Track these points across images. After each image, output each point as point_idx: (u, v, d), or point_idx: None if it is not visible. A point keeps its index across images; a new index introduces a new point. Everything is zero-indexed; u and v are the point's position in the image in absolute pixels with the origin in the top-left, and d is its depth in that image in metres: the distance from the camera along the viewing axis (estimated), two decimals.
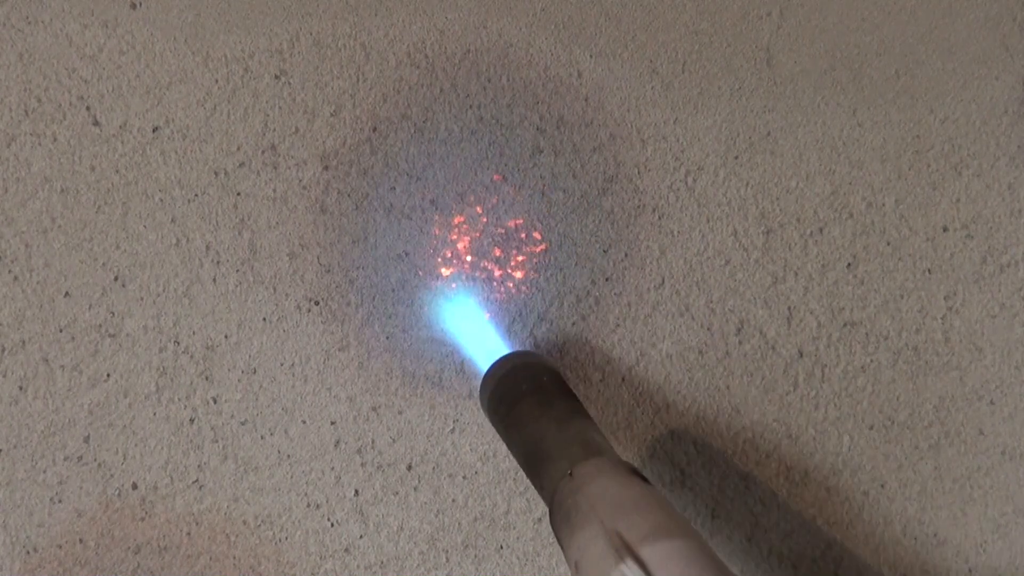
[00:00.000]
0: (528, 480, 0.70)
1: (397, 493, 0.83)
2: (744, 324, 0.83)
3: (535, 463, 0.68)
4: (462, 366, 0.82)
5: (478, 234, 0.82)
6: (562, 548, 0.62)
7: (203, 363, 0.81)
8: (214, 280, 0.80)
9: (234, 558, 0.83)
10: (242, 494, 0.82)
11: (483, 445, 0.83)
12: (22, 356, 0.80)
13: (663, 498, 0.63)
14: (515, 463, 0.83)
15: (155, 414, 0.81)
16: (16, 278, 0.79)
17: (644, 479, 0.63)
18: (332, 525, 0.83)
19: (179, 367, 0.81)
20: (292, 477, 0.82)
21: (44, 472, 0.81)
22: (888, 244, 0.84)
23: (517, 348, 0.81)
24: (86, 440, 0.81)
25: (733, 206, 0.82)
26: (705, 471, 0.84)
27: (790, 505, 0.85)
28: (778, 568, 0.85)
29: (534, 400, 0.71)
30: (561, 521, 0.62)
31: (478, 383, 0.82)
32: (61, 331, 0.80)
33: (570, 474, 0.63)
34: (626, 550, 0.55)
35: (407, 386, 0.82)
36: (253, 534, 0.83)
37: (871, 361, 0.84)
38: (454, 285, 0.81)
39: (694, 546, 0.55)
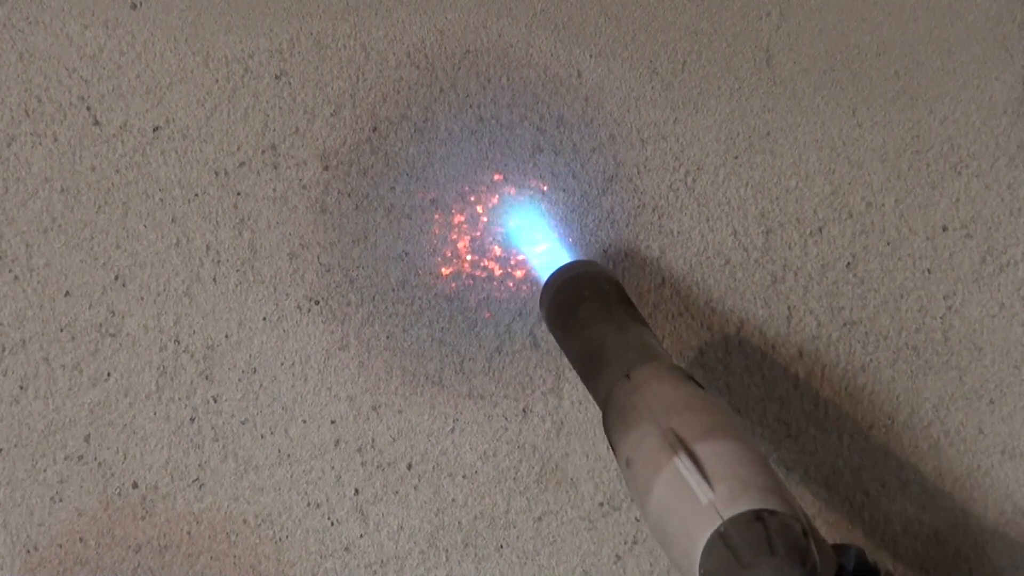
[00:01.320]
0: (584, 384, 0.71)
1: (397, 492, 0.83)
2: (744, 324, 0.84)
3: (592, 365, 0.69)
4: (462, 366, 0.82)
5: (478, 233, 0.82)
6: (613, 448, 0.63)
7: (203, 362, 0.81)
8: (214, 280, 0.80)
9: (234, 557, 0.83)
10: (242, 493, 0.82)
11: (483, 444, 0.83)
12: (23, 355, 0.80)
13: (718, 402, 0.63)
14: (513, 463, 0.83)
15: (155, 413, 0.81)
16: (17, 278, 0.79)
17: (699, 384, 0.63)
18: (332, 524, 0.83)
19: (179, 366, 0.81)
20: (292, 476, 0.82)
21: (45, 471, 0.81)
22: (888, 244, 0.84)
23: (579, 258, 0.81)
24: (86, 439, 0.81)
25: (733, 206, 0.83)
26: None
27: None
28: None
29: (595, 306, 0.72)
30: (615, 421, 0.62)
31: (479, 382, 0.82)
32: (62, 330, 0.80)
33: (627, 376, 0.64)
34: (680, 445, 0.55)
35: (407, 385, 0.82)
36: (253, 533, 0.83)
37: (871, 361, 0.84)
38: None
39: (746, 447, 0.56)
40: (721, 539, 0.50)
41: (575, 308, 0.72)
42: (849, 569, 0.56)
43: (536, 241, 0.81)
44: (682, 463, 0.54)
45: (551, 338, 0.82)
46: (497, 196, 0.81)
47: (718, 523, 0.51)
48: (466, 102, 0.81)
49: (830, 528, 0.85)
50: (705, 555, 0.50)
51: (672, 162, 0.82)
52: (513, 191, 0.81)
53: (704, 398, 0.61)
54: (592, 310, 0.72)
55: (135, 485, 0.82)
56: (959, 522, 0.86)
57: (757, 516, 0.50)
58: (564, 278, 0.75)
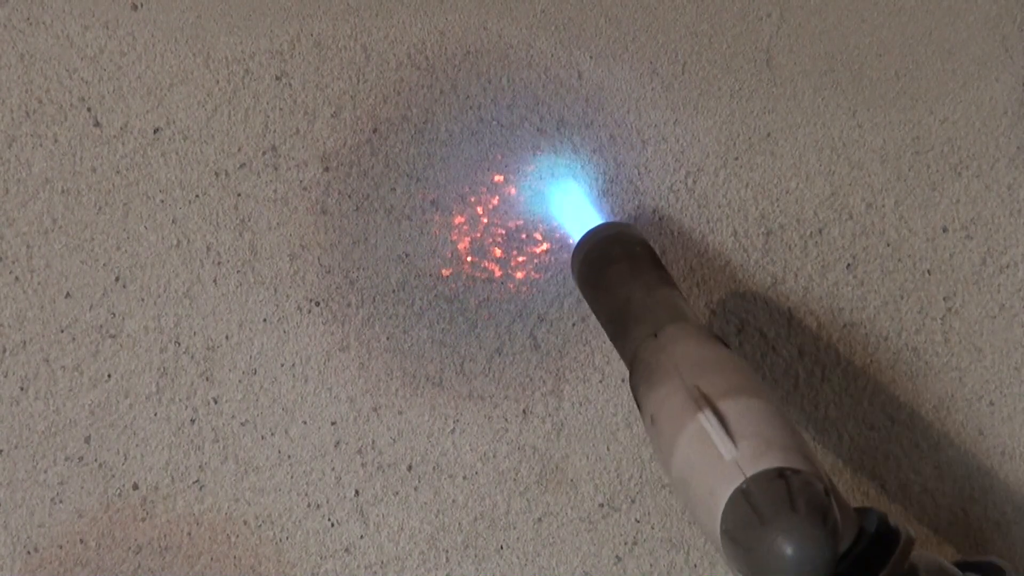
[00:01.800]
0: (612, 343, 0.72)
1: (397, 493, 0.83)
2: (744, 325, 0.84)
3: (620, 324, 0.69)
4: (462, 367, 0.82)
5: (479, 235, 0.82)
6: (639, 405, 0.63)
7: (204, 364, 0.81)
8: (215, 281, 0.80)
9: (235, 558, 0.83)
10: (243, 494, 0.82)
11: (483, 445, 0.83)
12: (23, 356, 0.80)
13: (744, 362, 0.64)
14: (513, 463, 0.83)
15: (156, 414, 0.81)
16: (17, 279, 0.79)
17: (725, 344, 0.64)
18: (332, 525, 0.83)
19: (180, 368, 0.81)
20: (293, 477, 0.82)
21: (45, 472, 0.81)
22: (888, 245, 0.84)
23: (612, 220, 0.81)
24: (87, 440, 0.81)
25: (733, 207, 0.83)
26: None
27: None
28: None
29: (625, 265, 0.73)
30: (641, 378, 0.63)
31: (479, 383, 0.82)
32: (62, 332, 0.80)
33: (654, 335, 0.64)
34: (705, 402, 0.55)
35: (407, 386, 0.82)
36: (254, 534, 0.83)
37: (871, 362, 0.84)
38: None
39: (770, 407, 0.56)
40: (743, 496, 0.50)
41: (605, 268, 0.73)
42: (871, 532, 0.56)
43: (568, 204, 0.81)
44: (707, 420, 0.54)
45: (551, 339, 0.82)
46: (497, 197, 0.81)
47: (741, 480, 0.51)
48: (466, 103, 0.81)
49: None
50: (727, 512, 0.51)
51: (672, 163, 0.82)
52: (513, 191, 0.81)
53: (730, 358, 0.62)
54: (622, 270, 0.72)
55: (135, 486, 0.82)
56: (959, 522, 0.86)
57: (780, 474, 0.50)
58: (596, 239, 0.76)
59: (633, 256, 0.74)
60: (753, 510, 0.49)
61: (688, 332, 0.64)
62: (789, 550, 0.47)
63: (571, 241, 0.79)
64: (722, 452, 0.52)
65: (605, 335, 0.81)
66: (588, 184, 0.81)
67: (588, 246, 0.76)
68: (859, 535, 0.56)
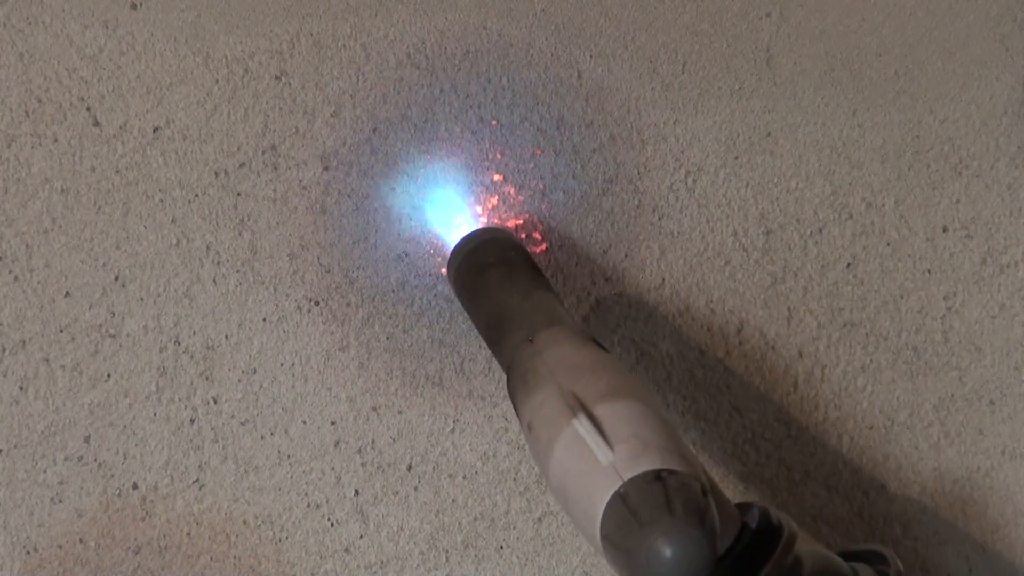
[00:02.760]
0: (490, 350, 0.71)
1: (397, 493, 0.83)
2: (744, 324, 0.84)
3: (497, 330, 0.69)
4: (462, 367, 0.82)
5: None
6: (517, 412, 0.62)
7: (203, 363, 0.81)
8: (214, 280, 0.80)
9: (234, 558, 0.83)
10: (242, 494, 0.82)
11: (483, 445, 0.83)
12: (23, 356, 0.80)
13: (619, 364, 0.63)
14: (513, 463, 0.83)
15: (155, 414, 0.81)
16: (17, 278, 0.79)
17: (602, 347, 0.63)
18: (332, 525, 0.83)
19: (179, 367, 0.81)
20: (292, 477, 0.82)
21: (44, 472, 0.81)
22: (888, 244, 0.84)
23: (486, 225, 0.81)
24: (86, 440, 0.81)
25: (733, 207, 0.83)
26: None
27: (790, 505, 0.85)
28: None
29: (500, 271, 0.72)
30: (518, 384, 0.62)
31: (479, 383, 0.82)
32: (61, 331, 0.80)
33: (530, 340, 0.64)
34: (580, 407, 0.55)
35: (407, 386, 0.82)
36: (253, 534, 0.83)
37: (871, 361, 0.84)
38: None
39: (647, 408, 0.55)
40: (621, 500, 0.50)
41: (480, 274, 0.73)
42: (752, 527, 0.56)
43: (445, 211, 0.81)
44: (581, 425, 0.53)
45: None
46: (497, 197, 0.81)
47: (618, 484, 0.50)
48: (466, 103, 0.81)
49: (831, 529, 0.85)
50: (606, 517, 0.50)
51: (672, 163, 0.82)
52: (512, 191, 0.81)
53: (606, 360, 0.61)
54: (498, 276, 0.72)
55: (135, 486, 0.82)
56: (959, 522, 0.86)
57: (656, 476, 0.50)
58: (471, 245, 0.76)
59: (508, 261, 0.73)
60: (631, 513, 0.49)
61: (563, 336, 0.64)
62: (667, 552, 0.47)
63: (447, 249, 0.79)
64: (598, 456, 0.52)
65: (604, 334, 0.81)
66: (464, 190, 0.81)
67: (462, 254, 0.75)
68: (741, 531, 0.56)
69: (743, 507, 0.57)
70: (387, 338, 0.82)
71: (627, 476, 0.50)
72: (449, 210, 0.81)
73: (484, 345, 0.81)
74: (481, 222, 0.81)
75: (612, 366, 0.61)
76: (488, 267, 0.73)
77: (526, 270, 0.73)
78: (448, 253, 0.78)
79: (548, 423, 0.56)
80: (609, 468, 0.51)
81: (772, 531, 0.56)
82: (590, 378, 0.58)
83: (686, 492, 0.49)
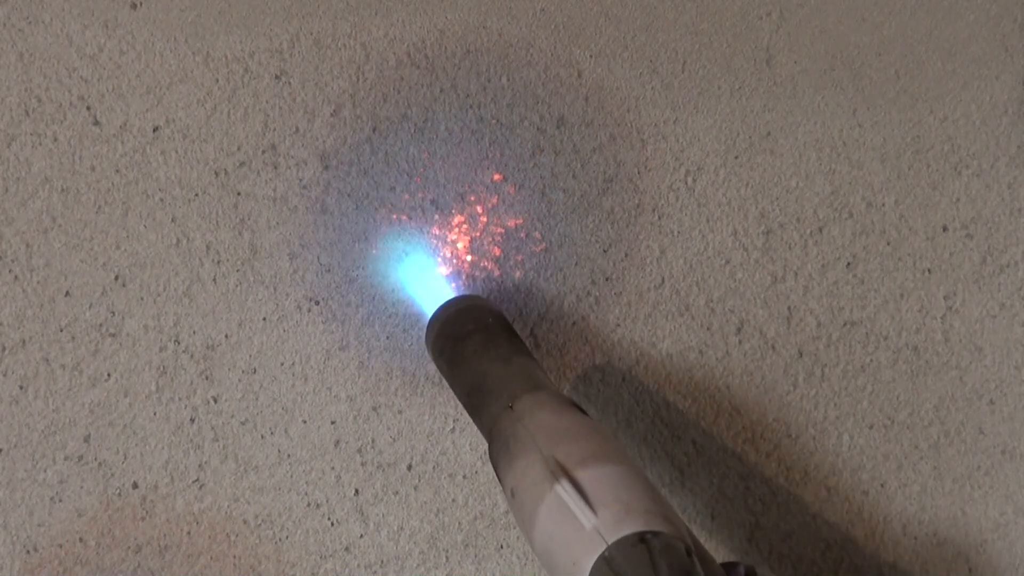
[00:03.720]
0: (471, 418, 0.72)
1: (397, 492, 0.83)
2: (744, 324, 0.84)
3: (477, 398, 0.69)
4: (420, 316, 0.82)
5: (478, 234, 0.82)
6: (499, 479, 0.62)
7: (203, 363, 0.81)
8: (214, 280, 0.80)
9: (234, 557, 0.83)
10: (242, 493, 0.82)
11: (483, 444, 0.83)
12: (23, 355, 0.80)
13: (601, 428, 0.64)
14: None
15: (155, 413, 0.81)
16: (16, 278, 0.79)
17: (583, 411, 0.63)
18: (332, 524, 0.83)
19: (179, 367, 0.81)
20: (292, 476, 0.82)
21: (44, 471, 0.81)
22: (888, 244, 0.84)
23: (463, 292, 0.81)
24: (86, 439, 0.81)
25: (733, 206, 0.83)
26: (705, 471, 0.84)
27: (790, 505, 0.85)
28: (778, 568, 0.85)
29: (479, 339, 0.72)
30: (500, 451, 0.62)
31: None
32: (61, 331, 0.80)
33: (510, 407, 0.64)
34: (562, 472, 0.55)
35: (407, 386, 0.82)
36: (253, 533, 0.83)
37: (871, 361, 0.84)
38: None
39: (629, 471, 0.56)
40: (606, 563, 0.50)
41: (459, 342, 0.73)
42: None
43: (423, 279, 0.81)
44: (564, 490, 0.54)
45: (551, 338, 0.82)
46: (497, 196, 0.81)
47: (603, 548, 0.50)
48: (466, 102, 0.81)
49: (830, 528, 0.85)
50: None
51: (672, 162, 0.82)
52: (513, 189, 0.81)
53: (587, 425, 0.62)
54: (476, 343, 0.72)
55: (135, 485, 0.82)
56: (959, 522, 0.86)
57: (641, 538, 0.50)
58: (448, 313, 0.76)
59: (486, 328, 0.73)
60: None
61: (543, 401, 0.64)
62: None
63: (424, 317, 0.79)
64: (582, 521, 0.52)
65: (604, 334, 0.81)
66: (440, 258, 0.81)
67: (440, 321, 0.76)
68: None
69: (729, 566, 0.57)
70: (387, 338, 0.82)
71: (611, 539, 0.51)
72: (426, 278, 0.81)
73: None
74: (459, 289, 0.81)
75: (593, 430, 0.61)
76: (466, 335, 0.73)
77: (504, 336, 0.73)
78: (426, 322, 0.78)
79: (531, 489, 0.57)
80: (593, 532, 0.51)
81: None
82: (571, 443, 0.58)
83: (671, 554, 0.50)
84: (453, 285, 0.81)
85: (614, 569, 0.50)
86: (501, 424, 0.64)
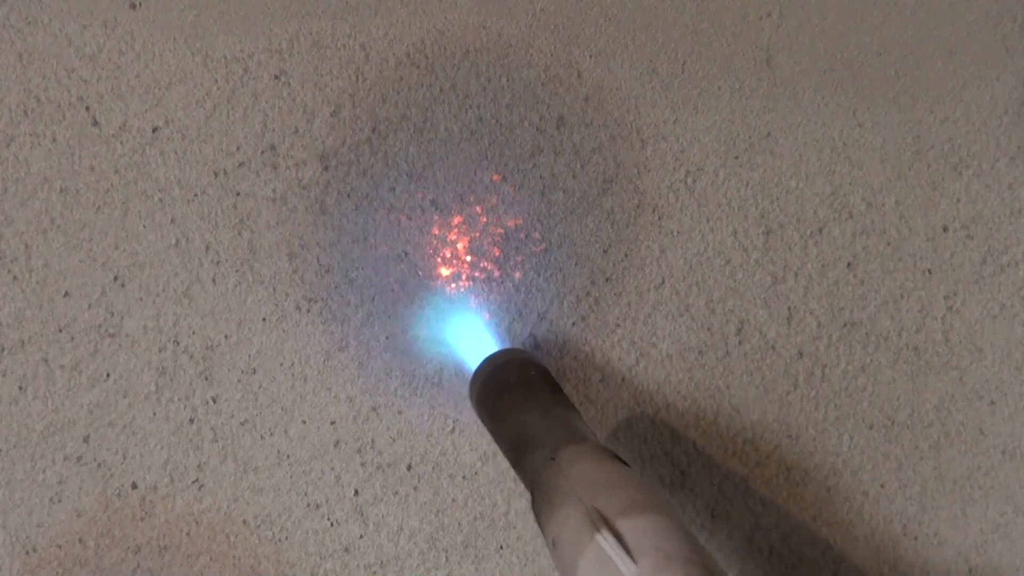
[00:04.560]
0: (514, 470, 0.72)
1: (397, 493, 0.83)
2: (744, 324, 0.84)
3: (520, 450, 0.69)
4: (462, 366, 0.82)
5: (478, 234, 0.82)
6: (542, 529, 0.63)
7: (203, 363, 0.81)
8: (214, 280, 0.80)
9: (234, 558, 0.83)
10: (242, 494, 0.82)
11: (483, 445, 0.83)
12: (22, 356, 0.80)
13: (641, 478, 0.64)
14: None
15: (155, 414, 0.81)
16: (16, 278, 0.79)
17: (624, 462, 0.64)
18: (332, 525, 0.83)
19: (179, 367, 0.81)
20: (292, 477, 0.82)
21: (44, 472, 0.81)
22: (888, 244, 0.84)
23: (507, 346, 0.82)
24: (86, 440, 0.81)
25: (733, 206, 0.82)
26: (705, 471, 0.84)
27: (790, 505, 0.85)
28: (778, 568, 0.85)
29: (520, 392, 0.73)
30: (542, 502, 0.63)
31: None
32: (60, 331, 0.80)
33: (552, 458, 0.65)
34: (603, 523, 0.56)
35: (407, 386, 0.82)
36: (253, 534, 0.83)
37: (871, 361, 0.84)
38: (451, 286, 0.82)
39: (669, 521, 0.56)
40: None
41: (502, 395, 0.74)
42: None
43: (467, 334, 0.82)
44: (604, 540, 0.55)
45: (551, 338, 0.82)
46: (496, 197, 0.81)
47: None
48: (466, 102, 0.80)
49: (831, 529, 0.85)
50: None
51: (672, 162, 0.82)
52: (512, 190, 0.81)
53: (627, 475, 0.62)
54: (518, 397, 0.73)
55: (134, 486, 0.82)
56: (959, 522, 0.86)
57: None
58: (492, 367, 0.77)
59: (528, 382, 0.74)
60: None
61: (585, 452, 0.64)
62: None
63: (468, 370, 0.80)
64: (622, 570, 0.53)
65: (604, 334, 0.81)
66: (485, 313, 0.82)
67: (484, 376, 0.76)
68: None
69: None
70: (386, 338, 0.82)
71: None
72: (470, 333, 0.82)
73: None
74: (502, 343, 0.82)
75: (634, 481, 0.61)
76: (509, 388, 0.74)
77: (546, 389, 0.74)
78: (470, 376, 0.79)
79: (572, 539, 0.57)
80: None
81: None
82: (612, 493, 0.59)
83: None
84: (497, 339, 0.82)
85: None
86: (543, 475, 0.64)
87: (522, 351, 0.80)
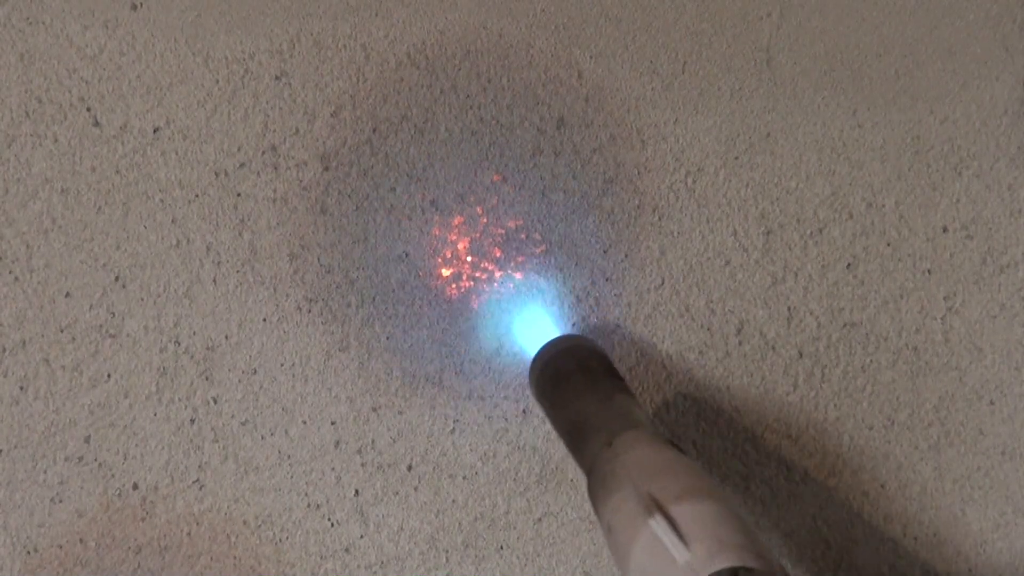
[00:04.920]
0: (571, 455, 0.73)
1: (397, 493, 0.83)
2: (744, 324, 0.84)
3: (577, 436, 0.70)
4: (462, 367, 0.82)
5: (478, 235, 0.82)
6: (597, 514, 0.64)
7: (203, 363, 0.81)
8: (214, 281, 0.80)
9: (235, 558, 0.83)
10: (242, 494, 0.82)
11: (483, 445, 0.83)
12: (23, 356, 0.80)
13: (696, 465, 0.64)
14: (513, 463, 0.83)
15: (156, 414, 0.81)
16: (17, 279, 0.79)
17: (680, 449, 0.64)
18: (332, 525, 0.83)
19: (180, 367, 0.81)
20: (292, 477, 0.82)
21: (45, 472, 0.81)
22: (888, 244, 0.84)
23: (567, 332, 0.82)
24: (87, 440, 0.81)
25: (733, 207, 0.83)
26: (705, 471, 0.84)
27: (790, 505, 0.85)
28: None
29: (580, 379, 0.74)
30: (597, 487, 0.64)
31: (479, 383, 0.82)
32: (62, 331, 0.80)
33: (609, 444, 0.65)
34: (657, 508, 0.56)
35: (407, 386, 0.82)
36: (254, 534, 0.83)
37: (871, 361, 0.84)
38: (453, 286, 0.82)
39: (723, 508, 0.56)
40: None
41: (561, 382, 0.74)
42: None
43: (527, 319, 0.82)
44: (658, 525, 0.55)
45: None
46: (497, 197, 0.81)
47: None
48: (466, 103, 0.81)
49: (831, 529, 0.85)
50: None
51: (672, 163, 0.82)
52: (513, 190, 0.81)
53: (682, 461, 0.62)
54: (577, 383, 0.73)
55: (135, 486, 0.82)
56: (959, 522, 0.86)
57: (734, 573, 0.51)
58: (551, 353, 0.77)
59: (588, 369, 0.75)
60: None
61: (641, 439, 0.65)
62: None
63: (527, 356, 0.80)
64: (675, 556, 0.53)
65: (604, 334, 0.81)
66: (546, 300, 0.82)
67: (543, 361, 0.77)
68: None
69: None
70: (387, 338, 0.82)
71: (704, 575, 0.51)
72: (532, 318, 0.82)
73: (484, 346, 0.81)
74: (562, 329, 0.82)
75: (688, 467, 0.62)
76: (568, 374, 0.74)
77: (605, 376, 0.75)
78: (529, 362, 0.79)
79: (626, 524, 0.58)
80: (686, 567, 0.52)
81: None
82: (667, 479, 0.59)
83: None
84: (556, 325, 0.82)
85: None
86: (599, 461, 0.65)
87: (581, 337, 0.81)
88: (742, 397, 0.84)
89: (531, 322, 0.82)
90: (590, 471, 0.66)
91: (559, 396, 0.74)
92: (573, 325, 0.82)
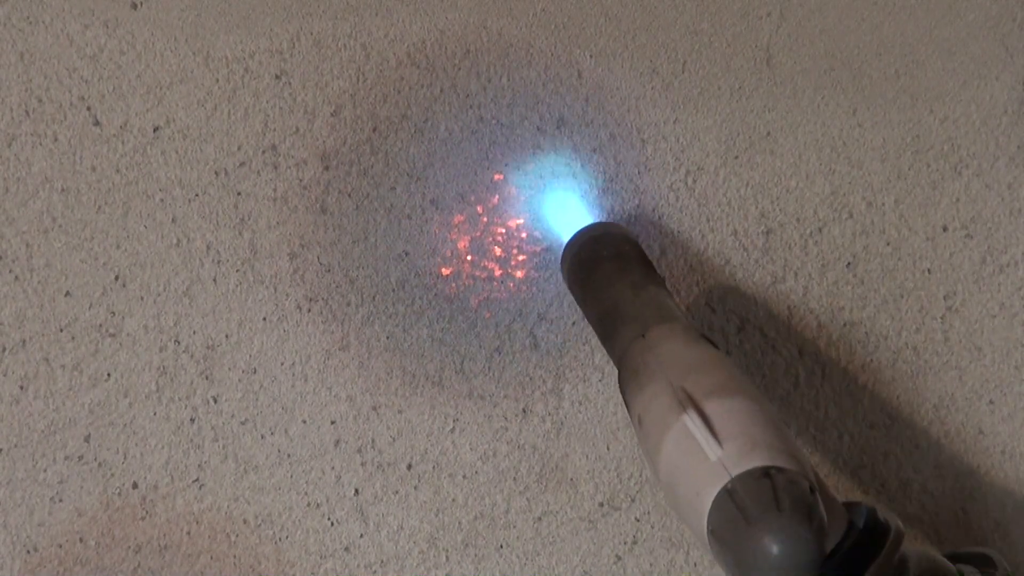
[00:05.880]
0: (601, 343, 0.72)
1: (397, 492, 0.83)
2: (744, 324, 0.84)
3: (609, 324, 0.69)
4: (462, 366, 0.82)
5: (479, 233, 0.82)
6: (627, 406, 0.63)
7: (203, 362, 0.81)
8: (214, 280, 0.80)
9: (234, 557, 0.83)
10: (242, 493, 0.82)
11: (483, 444, 0.83)
12: (23, 355, 0.80)
13: (730, 361, 0.64)
14: (513, 463, 0.83)
15: (155, 413, 0.81)
16: (17, 278, 0.79)
17: (714, 344, 0.64)
18: (332, 524, 0.83)
19: (179, 366, 0.81)
20: (292, 476, 0.82)
21: (45, 471, 0.81)
22: (888, 244, 0.84)
23: (601, 220, 0.81)
24: (87, 439, 0.81)
25: (733, 206, 0.83)
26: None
27: None
28: None
29: (613, 266, 0.72)
30: (629, 379, 0.63)
31: (479, 382, 0.82)
32: (62, 331, 0.80)
33: (642, 335, 0.64)
34: (690, 403, 0.55)
35: (407, 385, 0.82)
36: (253, 533, 0.83)
37: (871, 361, 0.84)
38: (452, 285, 0.82)
39: (756, 406, 0.56)
40: (729, 496, 0.50)
41: (594, 268, 0.73)
42: (859, 527, 0.55)
43: (560, 204, 0.81)
44: (691, 420, 0.54)
45: (551, 338, 0.82)
46: (497, 196, 0.81)
47: (726, 480, 0.50)
48: (466, 102, 0.81)
49: None
50: (713, 512, 0.50)
51: (672, 162, 0.82)
52: (513, 190, 0.81)
53: (717, 357, 0.62)
54: (611, 270, 0.72)
55: (135, 485, 0.82)
56: (959, 522, 0.86)
57: (765, 473, 0.50)
58: (585, 239, 0.76)
59: (621, 255, 0.73)
60: (739, 510, 0.49)
61: (675, 332, 0.64)
62: (775, 549, 0.47)
63: (561, 241, 0.79)
64: (707, 452, 0.52)
65: None
66: (580, 184, 0.81)
67: (577, 246, 0.76)
68: (848, 530, 0.55)
69: (850, 506, 0.57)
70: (387, 337, 0.82)
71: (735, 472, 0.51)
72: (565, 205, 0.81)
73: (484, 345, 0.81)
74: (598, 216, 0.81)
75: (723, 363, 0.61)
76: (601, 261, 0.73)
77: (639, 264, 0.73)
78: (562, 247, 0.78)
79: (658, 418, 0.57)
80: (717, 464, 0.51)
81: (879, 530, 0.56)
82: (701, 374, 0.58)
83: (794, 490, 0.49)
84: (591, 212, 0.81)
85: (736, 502, 0.49)
86: (632, 352, 0.64)
87: (616, 225, 0.79)
88: None
89: (566, 207, 0.80)
90: (620, 361, 0.65)
91: (592, 283, 0.72)
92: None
